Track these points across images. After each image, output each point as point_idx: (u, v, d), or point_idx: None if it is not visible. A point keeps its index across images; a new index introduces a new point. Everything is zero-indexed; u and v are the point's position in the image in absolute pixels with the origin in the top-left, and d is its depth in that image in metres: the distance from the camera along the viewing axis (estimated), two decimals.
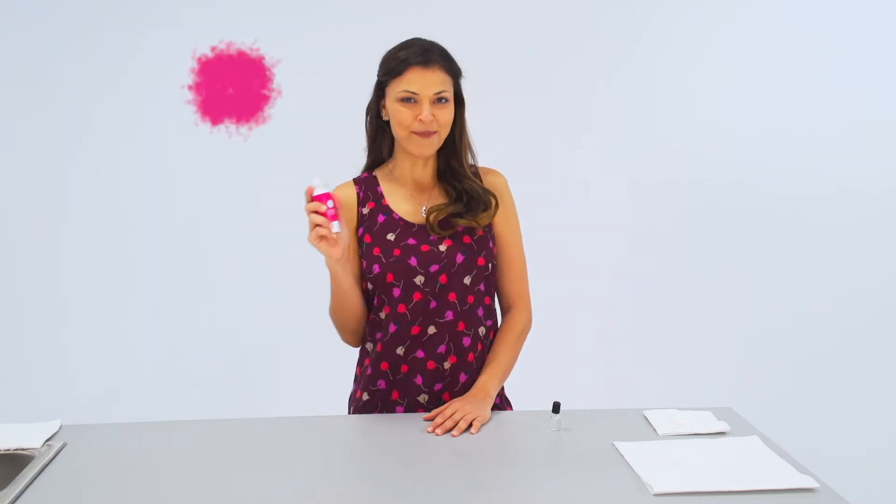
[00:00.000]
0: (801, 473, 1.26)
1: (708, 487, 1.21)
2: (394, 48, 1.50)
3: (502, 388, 1.66)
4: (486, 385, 1.54)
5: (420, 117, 1.45)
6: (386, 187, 1.58)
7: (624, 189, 2.95)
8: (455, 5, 2.79)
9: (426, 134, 1.47)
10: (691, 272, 2.97)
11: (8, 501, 1.16)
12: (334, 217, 1.36)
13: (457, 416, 1.44)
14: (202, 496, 1.21)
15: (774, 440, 1.41)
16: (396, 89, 1.46)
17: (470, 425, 1.44)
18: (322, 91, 2.79)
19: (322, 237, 1.37)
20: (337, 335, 1.63)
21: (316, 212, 1.36)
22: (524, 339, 1.64)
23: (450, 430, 1.42)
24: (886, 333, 2.95)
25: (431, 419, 1.47)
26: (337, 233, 1.37)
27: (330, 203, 1.35)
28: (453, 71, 1.50)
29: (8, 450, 1.35)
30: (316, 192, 1.36)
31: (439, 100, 1.46)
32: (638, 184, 2.94)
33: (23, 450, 1.35)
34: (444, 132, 1.50)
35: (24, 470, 1.26)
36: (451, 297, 1.53)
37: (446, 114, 1.48)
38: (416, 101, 1.45)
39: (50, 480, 1.25)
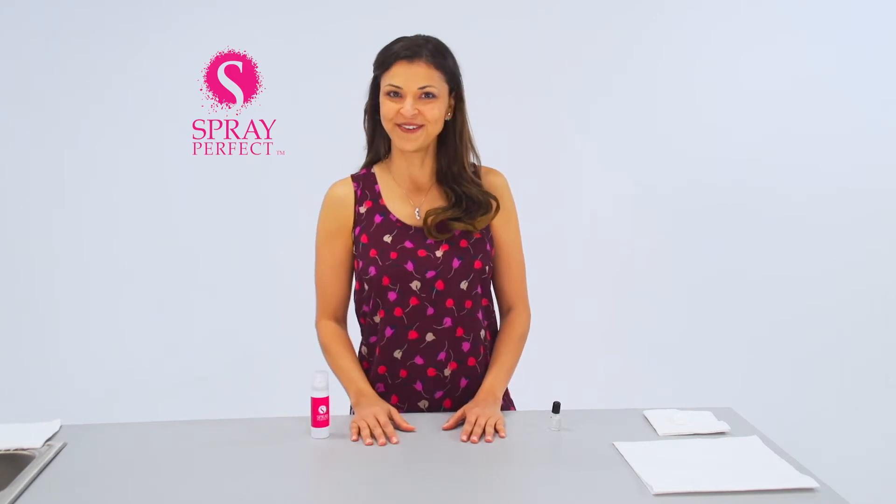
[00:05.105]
0: (801, 473, 1.26)
1: (708, 487, 1.21)
2: (388, 43, 1.51)
3: (507, 390, 1.65)
4: (493, 387, 1.53)
5: (401, 111, 1.45)
6: (384, 185, 1.57)
7: (623, 189, 2.94)
8: (455, 5, 2.78)
9: (409, 129, 1.46)
10: (691, 272, 2.97)
11: (8, 501, 1.16)
12: (324, 423, 1.42)
13: (481, 422, 1.43)
14: (202, 496, 1.21)
15: (774, 440, 1.41)
16: (384, 83, 1.48)
17: (496, 430, 1.43)
18: (322, 90, 2.78)
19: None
20: None
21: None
22: (525, 341, 1.64)
23: (482, 437, 1.41)
24: (886, 333, 2.94)
25: (451, 428, 1.46)
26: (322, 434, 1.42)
27: (322, 409, 1.41)
28: (444, 67, 1.48)
29: (8, 450, 1.35)
30: (314, 395, 1.41)
31: (426, 95, 1.46)
32: (637, 184, 2.94)
33: (23, 450, 1.35)
34: (432, 128, 1.48)
35: (25, 470, 1.27)
36: (449, 303, 1.53)
37: (433, 109, 1.47)
38: (400, 96, 1.46)
39: (50, 480, 1.25)
